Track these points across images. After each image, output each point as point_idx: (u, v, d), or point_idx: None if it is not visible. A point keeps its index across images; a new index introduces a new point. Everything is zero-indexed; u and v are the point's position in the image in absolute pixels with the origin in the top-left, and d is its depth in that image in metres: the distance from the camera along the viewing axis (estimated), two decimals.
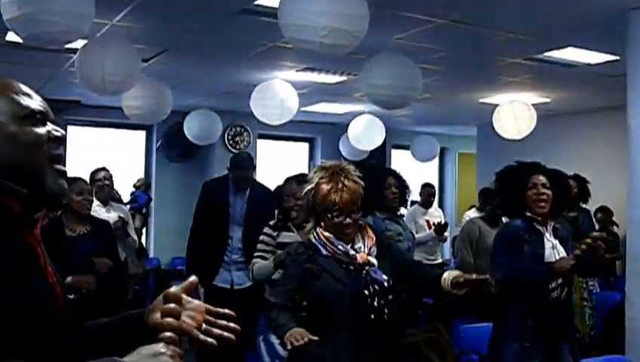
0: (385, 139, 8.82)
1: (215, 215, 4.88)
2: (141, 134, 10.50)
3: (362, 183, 2.73)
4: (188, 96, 8.24)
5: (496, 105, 7.69)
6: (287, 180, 3.93)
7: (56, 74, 7.07)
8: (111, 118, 9.14)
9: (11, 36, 5.20)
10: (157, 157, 10.27)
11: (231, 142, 10.17)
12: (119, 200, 6.91)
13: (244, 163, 4.91)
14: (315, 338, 2.38)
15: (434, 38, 5.42)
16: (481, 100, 8.40)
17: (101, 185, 5.14)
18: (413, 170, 10.56)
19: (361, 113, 8.71)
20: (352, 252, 2.66)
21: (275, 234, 3.80)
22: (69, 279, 3.76)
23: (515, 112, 7.39)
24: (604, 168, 7.91)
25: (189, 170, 10.15)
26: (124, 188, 9.65)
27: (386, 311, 2.62)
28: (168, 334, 1.18)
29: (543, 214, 3.50)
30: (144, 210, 9.72)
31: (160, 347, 1.15)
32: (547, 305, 3.41)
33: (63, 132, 1.32)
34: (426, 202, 6.99)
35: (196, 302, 1.33)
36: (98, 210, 4.86)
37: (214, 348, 1.28)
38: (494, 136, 7.84)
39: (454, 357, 4.33)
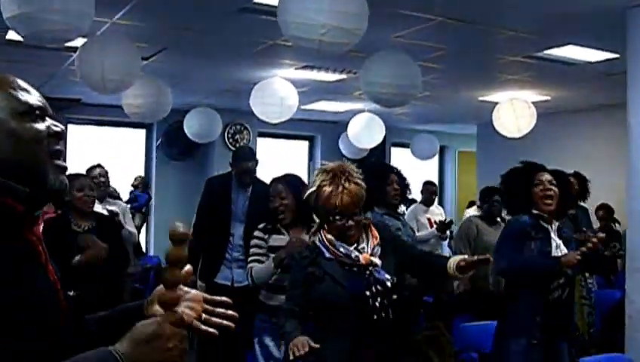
0: (385, 138, 8.82)
1: (217, 212, 4.88)
2: (141, 132, 10.51)
3: (364, 185, 2.74)
4: (188, 94, 8.24)
5: (496, 104, 7.69)
6: (273, 181, 3.92)
7: (57, 72, 7.08)
8: (111, 116, 9.15)
9: (12, 35, 5.21)
10: (157, 156, 10.28)
11: (231, 140, 10.18)
12: (117, 197, 6.91)
13: (246, 155, 4.91)
14: (316, 346, 2.45)
15: (434, 35, 5.42)
16: (480, 98, 8.40)
17: (96, 182, 5.13)
18: (413, 168, 10.56)
19: (360, 111, 8.71)
20: (354, 254, 2.67)
21: (265, 237, 3.78)
22: (76, 258, 3.77)
23: (515, 110, 7.38)
24: (604, 166, 7.90)
25: (189, 168, 10.16)
26: (125, 186, 9.67)
27: (389, 311, 2.63)
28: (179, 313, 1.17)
29: (549, 211, 3.52)
30: (144, 209, 9.73)
31: (161, 329, 1.13)
32: (549, 304, 3.43)
33: (63, 127, 1.31)
34: (427, 200, 6.99)
35: (194, 291, 1.32)
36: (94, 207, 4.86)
37: (215, 337, 1.27)
38: (494, 134, 7.83)
39: (454, 355, 4.34)
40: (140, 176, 9.93)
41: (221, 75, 7.38)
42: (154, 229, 10.21)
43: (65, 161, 1.32)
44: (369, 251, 2.69)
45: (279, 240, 3.71)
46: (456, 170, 13.03)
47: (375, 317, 2.60)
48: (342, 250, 2.68)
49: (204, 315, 1.30)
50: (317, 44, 3.74)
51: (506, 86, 7.58)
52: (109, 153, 9.62)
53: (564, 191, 3.61)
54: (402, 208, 5.12)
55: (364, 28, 3.83)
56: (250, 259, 3.78)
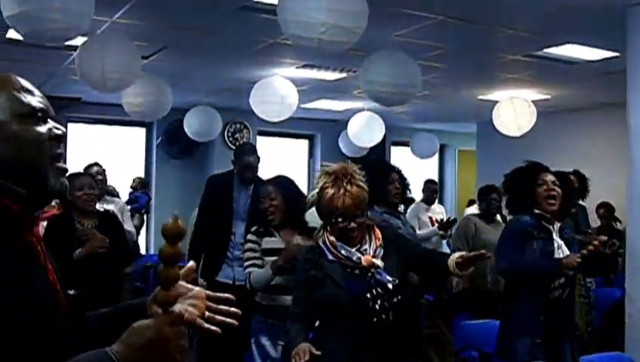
0: (384, 136, 8.81)
1: (219, 210, 4.87)
2: (141, 131, 10.51)
3: (367, 188, 2.75)
4: (188, 93, 8.24)
5: (496, 102, 7.69)
6: (263, 182, 3.96)
7: (57, 71, 7.08)
8: (111, 115, 9.14)
9: (12, 33, 5.21)
10: (157, 154, 10.29)
11: (231, 138, 10.19)
12: (115, 195, 6.91)
13: (248, 150, 4.91)
14: (318, 352, 2.51)
15: (433, 34, 5.42)
16: (480, 97, 8.41)
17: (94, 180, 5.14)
18: (413, 167, 10.56)
19: (360, 110, 8.72)
20: (356, 256, 2.69)
21: (258, 240, 3.80)
22: (77, 252, 3.81)
23: (515, 109, 7.38)
24: (604, 165, 7.90)
25: (189, 166, 10.16)
26: (125, 184, 9.68)
27: (390, 313, 2.64)
28: (177, 310, 1.16)
29: (552, 211, 3.51)
30: (143, 210, 9.74)
31: (159, 333, 1.12)
32: (550, 304, 3.43)
33: (64, 129, 1.31)
34: (429, 198, 6.99)
35: (196, 289, 1.31)
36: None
37: (218, 336, 1.26)
38: (494, 133, 7.83)
39: (454, 353, 4.35)
40: (138, 178, 9.93)
41: (221, 74, 7.38)
42: (154, 228, 10.21)
43: (65, 162, 1.31)
44: (371, 253, 2.70)
45: (272, 242, 3.73)
46: (456, 169, 13.03)
47: (375, 319, 2.61)
48: (343, 252, 2.70)
49: (207, 313, 1.28)
50: (316, 43, 3.74)
51: (506, 85, 7.58)
52: (109, 152, 9.63)
53: (566, 193, 3.61)
54: (401, 207, 5.11)
55: (364, 26, 3.83)
56: (246, 263, 3.79)
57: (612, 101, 7.80)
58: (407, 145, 10.88)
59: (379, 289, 2.63)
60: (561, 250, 3.50)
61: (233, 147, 9.73)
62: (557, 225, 3.57)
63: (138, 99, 6.23)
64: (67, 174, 1.32)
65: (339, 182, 2.68)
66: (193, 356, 4.73)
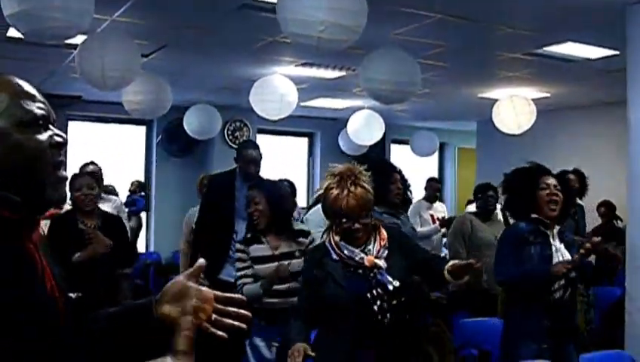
0: (384, 134, 8.82)
1: (220, 209, 4.87)
2: (141, 129, 10.51)
3: (371, 189, 2.76)
4: (187, 91, 8.24)
5: (496, 100, 7.68)
6: (249, 187, 3.99)
7: (57, 69, 7.08)
8: (111, 113, 9.13)
9: (12, 32, 5.20)
10: (157, 152, 10.29)
11: (230, 137, 10.19)
12: (113, 193, 6.92)
13: (250, 145, 4.92)
14: (312, 354, 2.54)
15: (433, 33, 5.42)
16: (480, 95, 8.40)
17: None
18: (413, 165, 10.57)
19: (360, 108, 8.71)
20: (359, 256, 2.70)
21: (246, 249, 3.81)
22: (77, 255, 3.82)
23: (514, 107, 7.38)
24: (604, 163, 7.91)
25: (189, 164, 10.16)
26: (125, 183, 9.70)
27: (389, 314, 2.64)
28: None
29: (552, 217, 3.47)
30: (140, 213, 9.79)
31: None
32: (552, 306, 3.41)
33: (65, 136, 1.27)
34: (430, 197, 7.00)
35: (205, 289, 1.30)
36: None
37: (223, 340, 1.25)
38: (494, 131, 7.82)
39: (454, 351, 4.35)
40: (136, 181, 9.97)
41: (221, 72, 7.38)
42: (154, 226, 10.22)
43: (65, 170, 1.29)
44: (375, 253, 2.72)
45: (260, 249, 3.76)
46: (456, 167, 13.03)
47: (375, 319, 2.62)
48: (346, 252, 2.72)
49: (214, 316, 1.27)
50: (315, 41, 3.74)
51: (506, 83, 7.58)
52: (109, 150, 9.64)
53: (566, 196, 3.58)
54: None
55: (363, 25, 3.83)
56: (238, 274, 3.82)
57: (612, 99, 7.80)
58: (407, 144, 10.88)
59: (379, 290, 2.64)
60: (560, 253, 3.47)
61: (233, 145, 9.74)
62: (556, 228, 3.54)
63: (138, 97, 6.23)
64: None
65: (343, 182, 2.70)
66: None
